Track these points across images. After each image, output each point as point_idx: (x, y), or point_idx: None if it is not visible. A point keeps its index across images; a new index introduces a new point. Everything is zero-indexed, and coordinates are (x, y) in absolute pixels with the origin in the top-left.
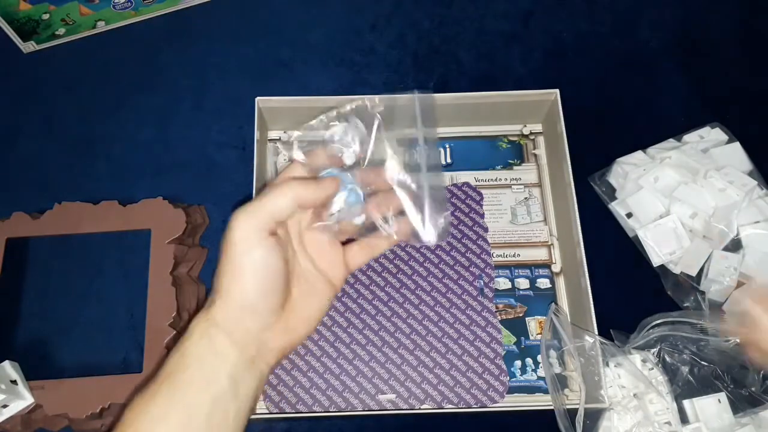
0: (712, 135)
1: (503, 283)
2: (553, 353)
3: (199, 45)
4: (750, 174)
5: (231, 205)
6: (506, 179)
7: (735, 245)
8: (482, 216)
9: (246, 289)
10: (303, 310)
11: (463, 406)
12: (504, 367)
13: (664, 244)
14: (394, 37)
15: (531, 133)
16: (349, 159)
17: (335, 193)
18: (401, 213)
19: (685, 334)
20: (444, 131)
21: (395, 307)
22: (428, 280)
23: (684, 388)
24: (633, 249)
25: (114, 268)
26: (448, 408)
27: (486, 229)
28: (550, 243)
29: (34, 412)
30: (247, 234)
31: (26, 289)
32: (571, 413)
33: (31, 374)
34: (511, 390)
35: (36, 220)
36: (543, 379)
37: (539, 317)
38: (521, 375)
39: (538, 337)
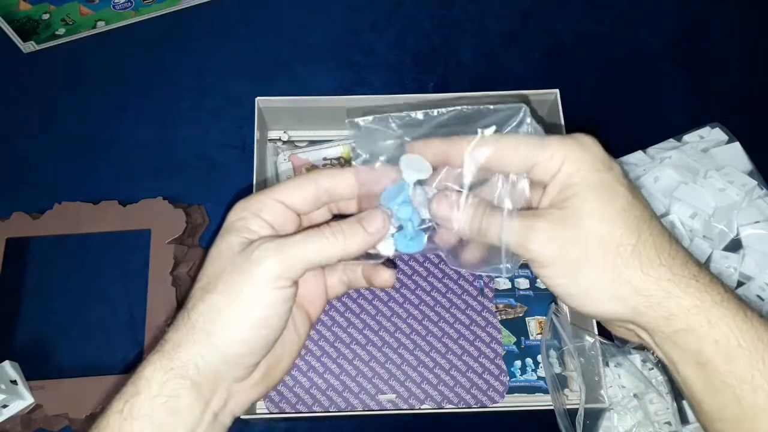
0: (712, 135)
1: (503, 283)
2: (553, 353)
3: (199, 45)
4: (750, 174)
5: (231, 205)
6: None
7: (735, 245)
8: None
9: (242, 341)
10: (285, 354)
11: (463, 406)
12: (504, 367)
13: None
14: (394, 37)
15: None
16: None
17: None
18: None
19: None
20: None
21: (395, 307)
22: (428, 280)
23: None
24: None
25: (114, 268)
26: (448, 408)
27: None
28: None
29: (34, 412)
30: (272, 277)
31: (26, 289)
32: (571, 413)
33: (31, 374)
34: (511, 390)
35: (36, 220)
36: (543, 379)
37: (539, 317)
38: (521, 375)
39: (538, 337)
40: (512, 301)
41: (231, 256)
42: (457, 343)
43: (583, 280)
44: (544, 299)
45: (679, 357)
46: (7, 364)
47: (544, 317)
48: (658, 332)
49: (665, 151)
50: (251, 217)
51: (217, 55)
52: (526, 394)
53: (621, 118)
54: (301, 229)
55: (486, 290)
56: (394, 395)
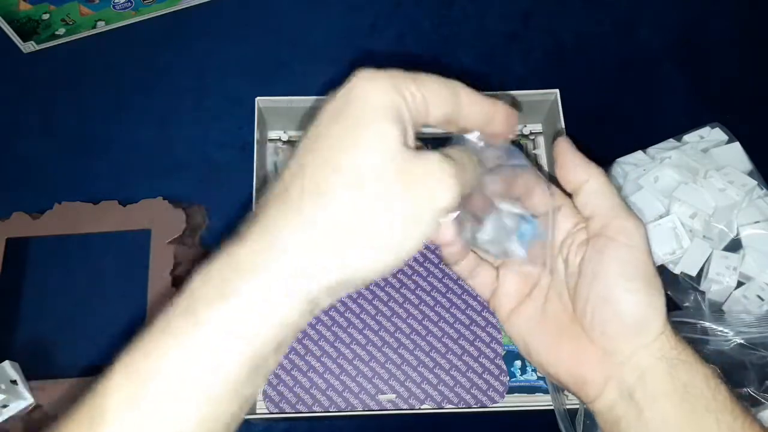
0: (712, 135)
1: None
2: None
3: (199, 45)
4: (750, 174)
5: (231, 205)
6: None
7: (735, 245)
8: None
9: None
10: None
11: (463, 406)
12: (504, 367)
13: (664, 244)
14: (394, 37)
15: (531, 133)
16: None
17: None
18: None
19: (685, 334)
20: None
21: (395, 307)
22: (428, 280)
23: None
24: None
25: (114, 268)
26: (448, 408)
27: None
28: None
29: (34, 412)
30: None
31: (26, 289)
32: (571, 413)
33: (31, 374)
34: (511, 390)
35: (36, 220)
36: (543, 379)
37: None
38: (521, 375)
39: None
40: None
41: (394, 170)
42: (457, 343)
43: None
44: None
45: None
46: (7, 364)
47: None
48: None
49: (665, 151)
50: (404, 106)
51: (217, 55)
52: (526, 394)
53: (621, 118)
54: None
55: None
56: (394, 395)
